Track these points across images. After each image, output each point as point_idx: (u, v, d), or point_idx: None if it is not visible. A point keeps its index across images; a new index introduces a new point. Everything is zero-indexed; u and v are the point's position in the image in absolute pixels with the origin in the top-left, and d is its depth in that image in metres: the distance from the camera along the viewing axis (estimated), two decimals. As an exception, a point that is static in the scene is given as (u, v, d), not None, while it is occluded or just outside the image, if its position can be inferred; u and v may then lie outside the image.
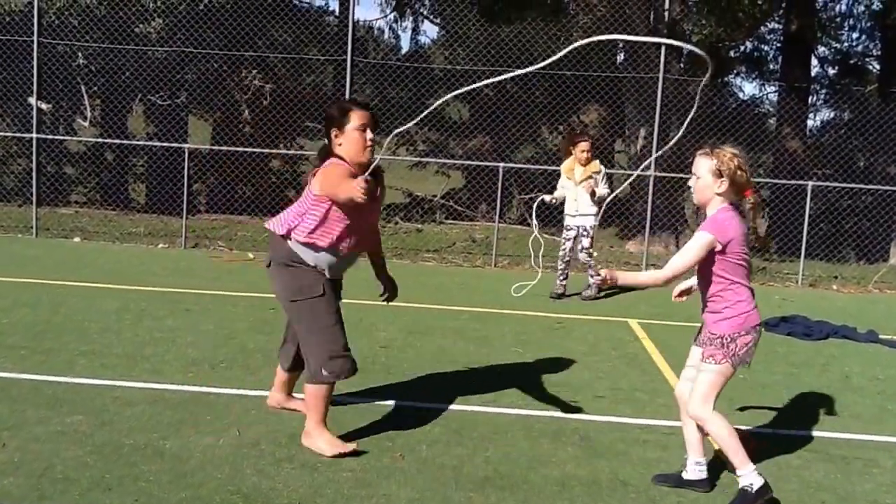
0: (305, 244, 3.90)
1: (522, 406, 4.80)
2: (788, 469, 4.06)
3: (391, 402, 4.75)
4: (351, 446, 3.86)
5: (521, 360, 5.88)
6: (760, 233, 3.70)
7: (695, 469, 3.72)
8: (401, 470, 3.76)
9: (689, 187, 3.63)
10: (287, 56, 15.69)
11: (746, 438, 4.39)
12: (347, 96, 11.22)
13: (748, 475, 3.49)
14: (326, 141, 3.98)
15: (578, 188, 8.38)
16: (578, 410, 4.75)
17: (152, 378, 4.94)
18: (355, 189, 3.51)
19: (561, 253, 8.70)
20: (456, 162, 15.57)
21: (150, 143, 15.29)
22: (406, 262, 10.95)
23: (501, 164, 11.58)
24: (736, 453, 3.49)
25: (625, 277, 3.59)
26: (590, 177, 8.38)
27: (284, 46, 15.80)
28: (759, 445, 4.27)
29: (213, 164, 15.23)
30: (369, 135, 3.89)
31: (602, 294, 8.78)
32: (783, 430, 4.67)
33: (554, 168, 10.71)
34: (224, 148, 13.75)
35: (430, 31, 60.45)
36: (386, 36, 23.09)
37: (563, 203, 8.59)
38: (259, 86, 15.54)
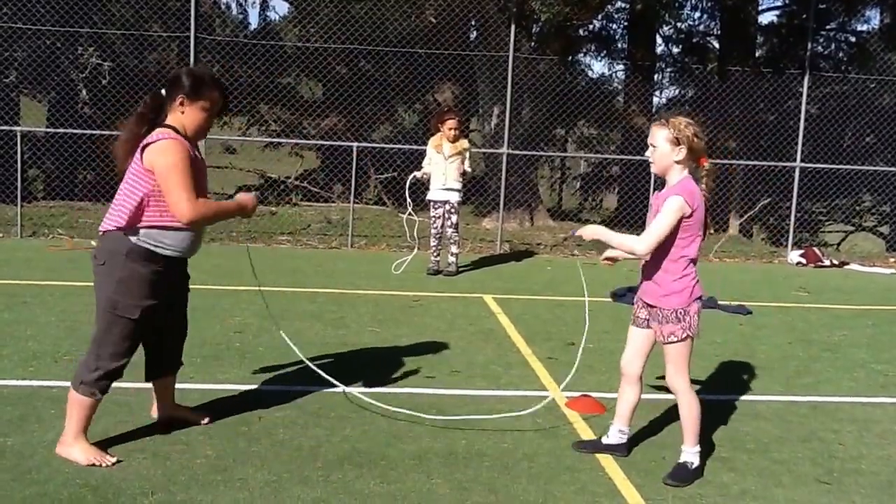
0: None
1: (380, 384, 4.84)
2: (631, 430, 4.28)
3: (247, 387, 4.67)
4: (111, 459, 3.56)
5: (378, 340, 5.91)
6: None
7: (617, 435, 3.90)
8: (257, 453, 3.72)
9: (647, 158, 3.64)
10: (126, 32, 14.91)
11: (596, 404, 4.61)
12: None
13: (693, 454, 3.65)
14: None
15: (447, 163, 8.46)
16: (435, 386, 4.83)
17: (-12, 375, 4.64)
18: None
19: (433, 230, 8.76)
20: (310, 142, 15.30)
21: (-24, 125, 14.17)
22: (260, 246, 10.73)
23: (356, 144, 11.50)
24: (695, 430, 3.65)
25: (602, 233, 3.64)
26: (459, 153, 8.49)
27: (123, 22, 14.98)
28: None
29: (50, 148, 14.33)
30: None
31: (460, 271, 8.92)
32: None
33: (410, 147, 10.76)
34: (61, 130, 12.95)
35: (279, 7, 59.04)
36: (234, 11, 22.21)
37: (429, 179, 8.66)
38: (97, 64, 14.71)
